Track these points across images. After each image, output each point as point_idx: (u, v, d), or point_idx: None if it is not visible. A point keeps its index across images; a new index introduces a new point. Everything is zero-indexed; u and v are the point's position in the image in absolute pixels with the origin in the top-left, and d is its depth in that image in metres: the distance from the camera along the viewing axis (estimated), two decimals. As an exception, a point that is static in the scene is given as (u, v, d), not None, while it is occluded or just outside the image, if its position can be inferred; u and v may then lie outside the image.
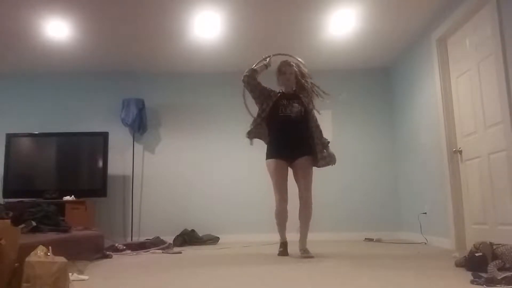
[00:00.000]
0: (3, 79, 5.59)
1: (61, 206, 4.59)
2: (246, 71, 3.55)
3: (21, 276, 1.69)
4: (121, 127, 5.44)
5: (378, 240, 4.95)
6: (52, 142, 5.30)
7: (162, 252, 4.11)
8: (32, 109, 5.57)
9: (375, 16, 4.26)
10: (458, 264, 2.60)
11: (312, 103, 3.62)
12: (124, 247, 4.10)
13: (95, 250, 3.55)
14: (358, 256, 3.42)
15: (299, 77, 3.61)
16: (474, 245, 2.56)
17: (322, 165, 3.52)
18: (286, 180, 3.50)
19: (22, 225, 2.73)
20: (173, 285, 2.29)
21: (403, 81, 5.24)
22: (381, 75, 5.71)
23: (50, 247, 1.84)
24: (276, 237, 3.63)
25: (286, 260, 3.26)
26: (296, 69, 3.62)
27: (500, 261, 2.26)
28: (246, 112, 3.72)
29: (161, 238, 4.60)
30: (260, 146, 3.67)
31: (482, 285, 1.99)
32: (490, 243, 2.47)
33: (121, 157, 5.46)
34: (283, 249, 3.52)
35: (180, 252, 4.09)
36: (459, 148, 3.95)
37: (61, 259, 1.79)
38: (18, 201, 4.68)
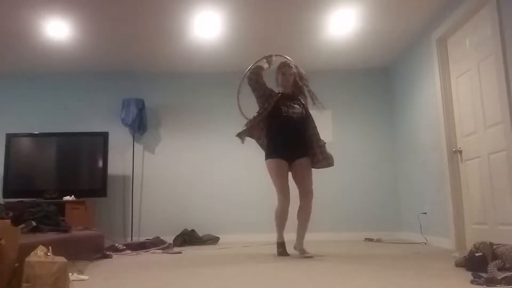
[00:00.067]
0: (3, 79, 5.59)
1: (61, 206, 4.59)
2: (250, 68, 3.55)
3: (21, 276, 1.69)
4: (121, 127, 5.44)
5: (378, 240, 4.95)
6: (52, 142, 5.30)
7: (162, 252, 4.11)
8: (32, 109, 5.57)
9: (375, 16, 4.26)
10: (458, 264, 2.60)
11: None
12: (124, 247, 4.10)
13: (95, 250, 3.55)
14: (358, 256, 3.43)
15: (298, 79, 3.63)
16: (474, 245, 2.56)
17: (321, 167, 3.54)
18: (288, 179, 3.50)
19: (22, 225, 2.73)
20: (173, 285, 2.29)
21: (403, 81, 5.24)
22: (381, 75, 5.71)
23: (50, 247, 1.84)
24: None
25: (286, 260, 3.26)
26: (295, 71, 3.64)
27: (500, 261, 2.26)
28: (247, 113, 3.72)
29: (161, 238, 4.60)
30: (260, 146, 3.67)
31: (482, 285, 1.99)
32: (490, 243, 2.46)
33: (121, 157, 5.46)
34: (282, 249, 3.52)
35: (180, 252, 4.09)
36: (459, 148, 3.95)
37: (61, 259, 1.78)
38: (18, 201, 4.68)
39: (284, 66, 3.62)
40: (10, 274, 1.76)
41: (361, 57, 5.33)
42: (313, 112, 3.65)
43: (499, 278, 2.01)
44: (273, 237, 3.59)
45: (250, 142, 3.66)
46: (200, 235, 5.07)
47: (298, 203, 3.49)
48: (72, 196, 4.91)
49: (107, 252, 3.70)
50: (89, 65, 5.39)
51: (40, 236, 2.78)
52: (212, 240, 5.03)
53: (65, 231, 3.27)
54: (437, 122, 4.23)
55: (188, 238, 4.93)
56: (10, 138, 5.20)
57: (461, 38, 3.87)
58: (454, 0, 3.80)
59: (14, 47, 4.80)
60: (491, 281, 2.01)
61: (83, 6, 3.96)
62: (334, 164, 3.56)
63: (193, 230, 5.08)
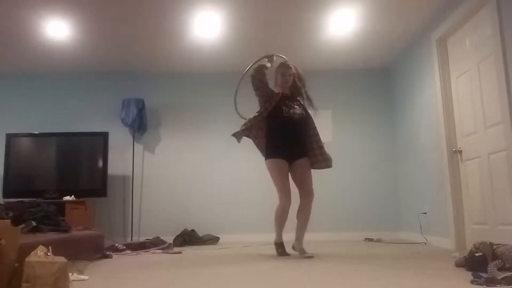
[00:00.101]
0: (3, 79, 5.59)
1: (61, 206, 4.59)
2: (251, 68, 3.56)
3: (21, 276, 1.69)
4: (121, 127, 5.44)
5: (378, 240, 4.95)
6: (52, 142, 5.30)
7: (162, 252, 4.11)
8: (32, 109, 5.57)
9: (375, 16, 4.26)
10: (458, 264, 2.60)
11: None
12: (124, 247, 4.10)
13: (95, 250, 3.55)
14: (358, 256, 3.43)
15: (297, 80, 3.63)
16: (474, 245, 2.56)
17: (320, 168, 3.55)
18: (288, 179, 3.50)
19: (22, 225, 2.73)
20: (173, 285, 2.29)
21: (403, 81, 5.24)
22: (381, 75, 5.71)
23: (50, 247, 1.84)
24: (276, 237, 3.63)
25: (286, 260, 3.27)
26: (295, 72, 3.64)
27: (500, 261, 2.25)
28: (243, 112, 3.72)
29: (161, 238, 4.60)
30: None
31: (482, 285, 1.99)
32: (490, 243, 2.46)
33: (121, 157, 5.46)
34: (282, 250, 3.52)
35: (180, 252, 4.09)
36: (459, 148, 3.95)
37: (61, 259, 1.78)
38: (18, 201, 4.68)
39: (283, 67, 3.62)
40: (10, 274, 1.76)
41: (361, 57, 5.33)
42: (311, 113, 3.66)
43: (499, 278, 2.01)
44: (273, 237, 3.58)
45: (250, 142, 3.66)
46: (200, 235, 5.07)
47: (298, 203, 3.49)
48: (72, 196, 4.91)
49: (107, 252, 3.70)
50: (89, 65, 5.39)
51: (40, 236, 2.78)
52: (212, 240, 5.03)
53: (65, 231, 3.27)
54: (437, 122, 4.23)
55: (188, 238, 4.93)
56: (10, 138, 5.20)
57: (461, 38, 3.87)
58: (454, 0, 3.80)
59: (14, 47, 4.80)
60: (491, 281, 2.01)
61: (83, 6, 3.96)
62: (333, 165, 3.58)
63: (193, 230, 5.08)
